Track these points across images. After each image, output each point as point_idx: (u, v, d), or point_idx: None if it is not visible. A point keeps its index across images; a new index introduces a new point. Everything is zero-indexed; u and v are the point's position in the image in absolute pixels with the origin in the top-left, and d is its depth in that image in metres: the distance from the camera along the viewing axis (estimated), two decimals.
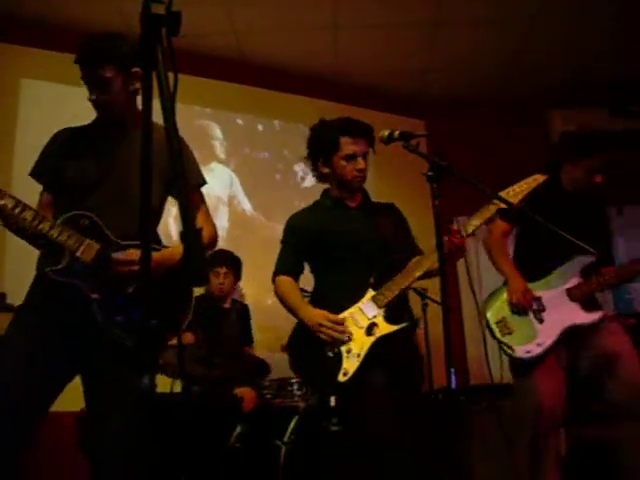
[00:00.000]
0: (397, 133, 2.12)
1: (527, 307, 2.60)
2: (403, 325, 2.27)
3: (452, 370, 1.85)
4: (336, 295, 2.35)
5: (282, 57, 4.89)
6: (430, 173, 1.93)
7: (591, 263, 2.66)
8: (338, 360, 2.23)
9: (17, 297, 2.12)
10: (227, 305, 3.74)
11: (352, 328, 2.26)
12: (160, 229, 2.20)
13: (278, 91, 5.00)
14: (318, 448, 2.80)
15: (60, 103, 4.00)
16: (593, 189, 2.76)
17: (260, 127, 4.98)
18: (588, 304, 2.66)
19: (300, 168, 4.92)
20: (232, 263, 3.70)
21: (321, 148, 2.45)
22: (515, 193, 2.27)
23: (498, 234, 2.81)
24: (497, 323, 2.64)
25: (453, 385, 1.92)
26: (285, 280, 2.44)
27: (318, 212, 2.51)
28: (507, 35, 4.65)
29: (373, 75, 5.17)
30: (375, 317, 2.27)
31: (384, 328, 2.25)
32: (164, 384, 3.12)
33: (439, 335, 1.95)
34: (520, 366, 2.62)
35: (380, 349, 2.23)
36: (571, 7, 4.32)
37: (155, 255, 1.99)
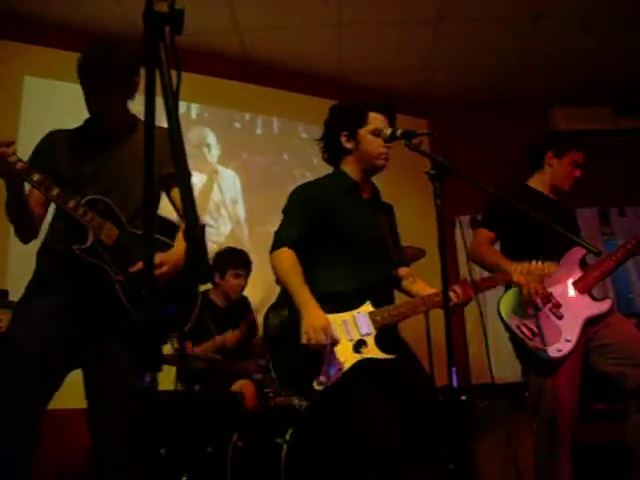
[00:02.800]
0: (399, 131, 2.13)
1: (544, 298, 2.56)
2: (391, 357, 2.11)
3: (453, 369, 1.85)
4: (329, 288, 2.18)
5: (285, 55, 4.89)
6: (432, 172, 1.92)
7: (583, 256, 2.71)
8: (316, 362, 2.08)
9: (20, 295, 2.12)
10: (224, 306, 3.71)
11: (341, 336, 2.12)
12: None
13: (281, 89, 5.00)
14: (319, 446, 2.80)
15: (63, 100, 4.00)
16: (569, 185, 2.88)
17: (259, 131, 4.97)
18: (594, 295, 2.70)
19: (299, 172, 4.91)
20: (249, 265, 3.71)
21: (347, 120, 2.33)
22: (526, 270, 2.32)
23: (486, 242, 2.77)
24: (519, 327, 2.59)
25: (454, 384, 1.92)
26: (291, 256, 2.19)
27: (332, 191, 2.32)
28: (510, 33, 4.64)
29: (376, 73, 5.16)
30: (367, 335, 2.13)
31: (372, 351, 2.11)
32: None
33: (441, 334, 1.95)
34: (546, 366, 2.56)
35: (370, 371, 2.08)
36: (574, 5, 4.31)
37: (163, 257, 2.02)
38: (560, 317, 2.58)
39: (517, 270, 2.31)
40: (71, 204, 1.93)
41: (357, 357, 2.10)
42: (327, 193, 2.32)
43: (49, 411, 1.96)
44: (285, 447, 2.76)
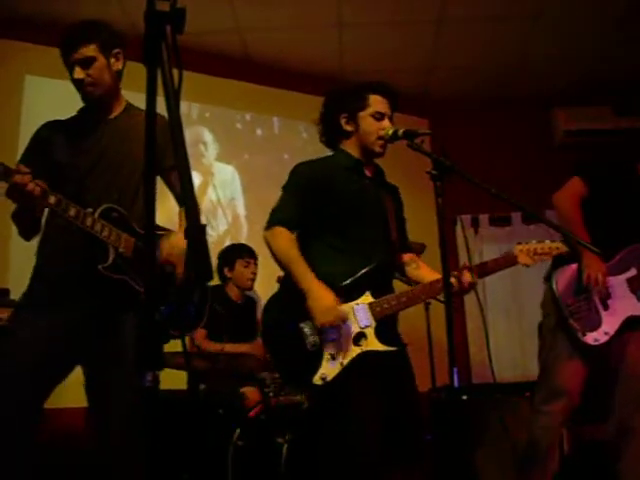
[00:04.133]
0: (401, 131, 2.13)
1: (601, 288, 2.53)
2: (392, 349, 2.10)
3: (455, 369, 1.85)
4: (327, 280, 2.08)
5: (286, 54, 4.89)
6: (434, 172, 1.92)
7: None
8: (316, 356, 2.04)
9: (21, 293, 2.12)
10: (241, 301, 3.74)
11: (340, 329, 2.07)
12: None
13: (282, 89, 5.00)
14: (319, 445, 2.80)
15: (64, 100, 3.98)
16: None
17: (259, 131, 4.96)
18: None
19: None
20: (255, 253, 3.73)
21: (348, 103, 2.31)
22: (532, 250, 2.24)
23: (575, 193, 2.66)
24: (567, 306, 2.56)
25: (455, 384, 1.91)
26: (286, 234, 2.15)
27: (334, 167, 2.28)
28: (511, 33, 4.64)
29: (377, 73, 5.14)
30: (367, 327, 2.09)
31: (372, 344, 2.08)
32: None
33: (442, 334, 1.95)
34: (580, 346, 2.54)
35: (370, 365, 2.06)
36: (574, 5, 4.30)
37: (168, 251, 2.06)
38: (606, 308, 2.56)
39: (523, 251, 2.24)
40: (89, 222, 1.93)
41: (357, 350, 2.06)
42: (329, 169, 2.27)
43: (50, 410, 1.96)
44: (285, 446, 2.76)
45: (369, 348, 2.08)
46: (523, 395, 3.40)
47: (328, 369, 2.03)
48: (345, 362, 2.04)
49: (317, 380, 2.02)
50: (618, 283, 2.62)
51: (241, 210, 4.77)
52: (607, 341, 2.52)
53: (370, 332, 2.09)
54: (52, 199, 1.87)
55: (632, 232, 2.59)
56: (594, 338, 2.52)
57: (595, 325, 2.53)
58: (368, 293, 2.14)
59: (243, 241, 4.41)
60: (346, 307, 2.10)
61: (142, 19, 1.10)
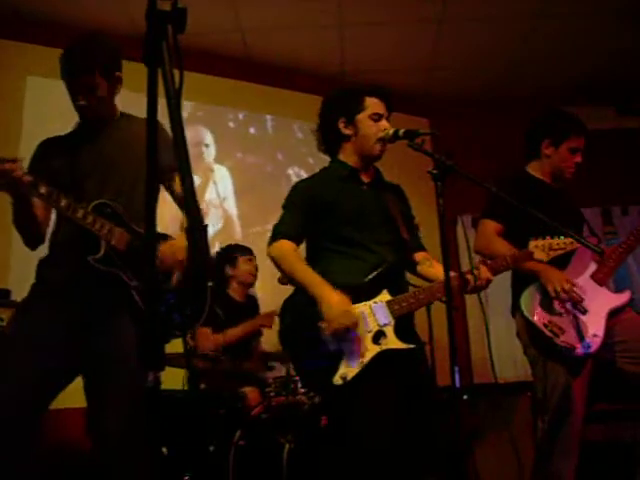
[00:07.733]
0: (402, 131, 2.12)
1: (571, 295, 2.46)
2: (412, 346, 2.08)
3: (456, 369, 1.84)
4: (343, 281, 2.08)
5: (287, 55, 4.89)
6: (435, 171, 1.91)
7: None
8: (335, 356, 2.02)
9: (22, 294, 2.12)
10: (243, 301, 3.74)
11: (359, 328, 2.04)
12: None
13: (282, 88, 4.99)
14: (321, 445, 2.80)
15: (66, 100, 3.99)
16: (571, 172, 2.75)
17: (252, 130, 4.96)
18: (611, 287, 2.65)
19: (293, 171, 4.92)
20: (253, 253, 3.80)
21: (345, 106, 2.31)
22: (548, 246, 2.22)
23: (494, 234, 2.64)
24: (546, 325, 2.47)
25: (457, 384, 1.91)
26: (290, 245, 2.18)
27: (330, 181, 2.29)
28: (513, 33, 4.64)
29: (378, 73, 5.16)
30: (386, 326, 2.07)
31: (392, 342, 2.05)
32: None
33: (443, 334, 1.95)
34: (575, 363, 2.48)
35: (390, 364, 2.03)
36: (575, 4, 4.30)
37: (163, 248, 2.07)
38: (584, 312, 2.50)
39: (538, 247, 2.22)
40: (80, 214, 1.93)
41: (377, 349, 2.04)
42: (325, 183, 2.29)
43: (49, 411, 1.96)
44: (287, 446, 2.76)
45: (389, 347, 2.05)
46: (525, 395, 3.40)
47: (348, 369, 2.01)
48: (365, 361, 2.02)
49: (337, 380, 1.99)
50: (584, 283, 2.58)
51: (233, 210, 4.76)
52: (601, 343, 2.46)
53: (389, 330, 2.07)
54: (43, 189, 1.88)
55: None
56: (586, 345, 2.45)
57: (582, 333, 2.47)
58: (385, 291, 2.13)
59: (237, 241, 4.43)
60: (364, 306, 2.09)
61: (143, 19, 1.10)
